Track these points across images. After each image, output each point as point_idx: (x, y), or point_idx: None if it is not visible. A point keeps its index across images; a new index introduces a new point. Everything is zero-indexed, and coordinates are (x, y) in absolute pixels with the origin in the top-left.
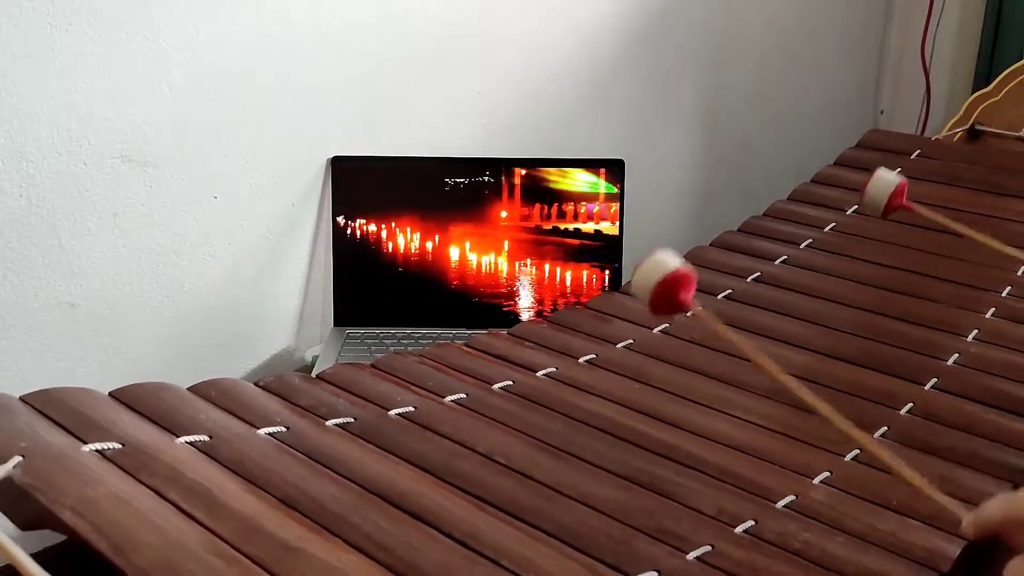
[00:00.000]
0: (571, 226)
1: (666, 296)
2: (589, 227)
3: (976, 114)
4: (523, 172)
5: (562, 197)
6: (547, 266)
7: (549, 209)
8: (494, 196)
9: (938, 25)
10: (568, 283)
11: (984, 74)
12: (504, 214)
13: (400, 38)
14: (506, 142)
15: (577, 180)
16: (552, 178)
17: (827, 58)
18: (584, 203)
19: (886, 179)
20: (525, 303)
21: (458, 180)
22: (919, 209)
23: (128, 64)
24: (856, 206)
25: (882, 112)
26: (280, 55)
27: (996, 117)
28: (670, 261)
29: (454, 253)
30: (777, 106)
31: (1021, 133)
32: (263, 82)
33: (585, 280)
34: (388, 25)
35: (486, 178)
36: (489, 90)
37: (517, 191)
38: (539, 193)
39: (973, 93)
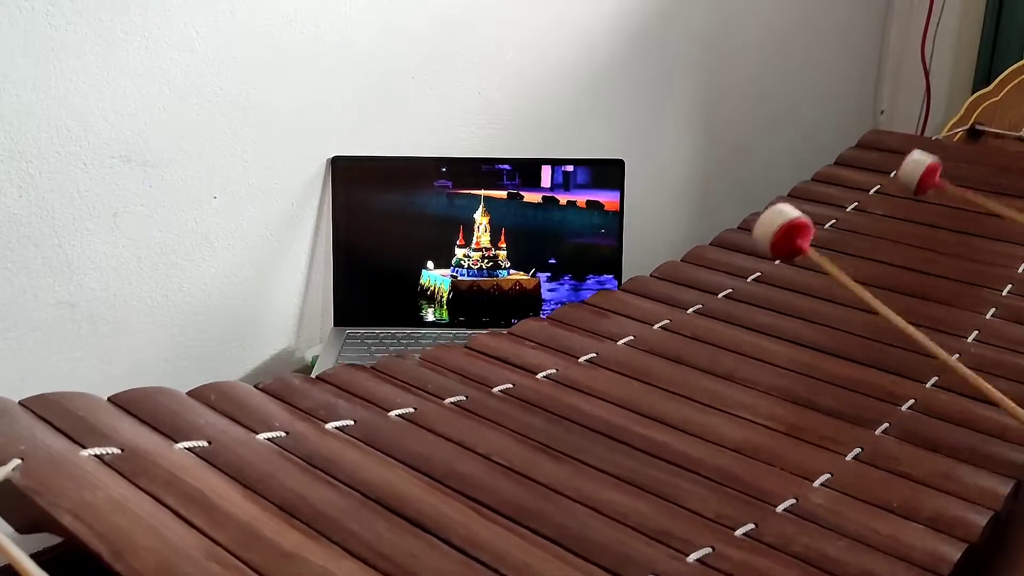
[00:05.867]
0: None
1: (785, 240)
2: (589, 227)
3: (976, 114)
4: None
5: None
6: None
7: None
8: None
9: (938, 25)
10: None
11: (984, 74)
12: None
13: (400, 38)
14: (506, 142)
15: (576, 176)
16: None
17: (827, 58)
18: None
19: (918, 159)
20: (534, 305)
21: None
22: (950, 188)
23: (128, 64)
24: (856, 203)
25: (882, 112)
26: (280, 55)
27: (996, 117)
28: (789, 211)
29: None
30: (777, 106)
31: (1021, 133)
32: (263, 82)
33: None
34: (388, 25)
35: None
36: (489, 90)
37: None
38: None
39: (973, 93)
